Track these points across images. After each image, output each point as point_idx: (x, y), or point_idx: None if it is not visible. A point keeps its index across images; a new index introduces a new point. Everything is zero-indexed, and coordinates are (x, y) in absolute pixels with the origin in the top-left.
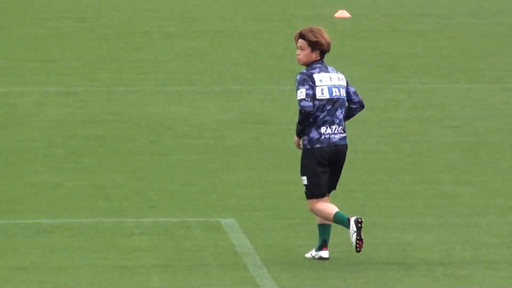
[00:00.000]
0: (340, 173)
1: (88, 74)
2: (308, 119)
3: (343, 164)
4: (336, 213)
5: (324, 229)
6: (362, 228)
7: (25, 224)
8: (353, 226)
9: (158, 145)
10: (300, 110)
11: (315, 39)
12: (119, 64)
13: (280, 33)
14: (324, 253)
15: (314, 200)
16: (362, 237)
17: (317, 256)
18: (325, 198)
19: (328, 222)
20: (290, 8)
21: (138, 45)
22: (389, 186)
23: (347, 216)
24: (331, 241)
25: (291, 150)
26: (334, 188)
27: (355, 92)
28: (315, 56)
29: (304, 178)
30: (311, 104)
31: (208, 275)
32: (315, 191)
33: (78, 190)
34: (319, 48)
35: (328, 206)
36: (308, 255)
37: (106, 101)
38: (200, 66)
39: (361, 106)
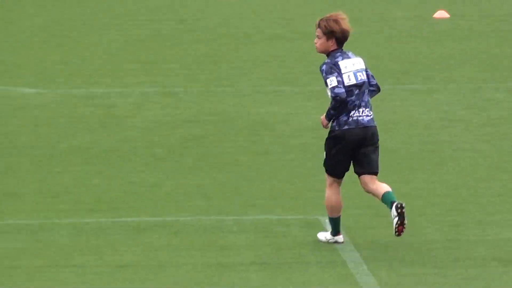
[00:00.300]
0: (376, 154)
1: (187, 75)
2: (342, 105)
3: (375, 144)
4: (338, 218)
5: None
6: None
7: (125, 223)
8: (330, 239)
9: (257, 145)
10: (335, 97)
11: (329, 29)
12: (218, 65)
13: (379, 34)
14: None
15: (330, 178)
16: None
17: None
18: (340, 181)
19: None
20: (388, 9)
21: (236, 46)
22: (488, 184)
23: (340, 229)
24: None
25: (392, 150)
26: (372, 171)
27: (372, 76)
28: (331, 44)
29: (325, 153)
30: (343, 90)
31: (307, 272)
32: (330, 168)
33: (178, 189)
34: (335, 36)
35: (336, 203)
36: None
37: (205, 101)
38: (299, 67)
39: (378, 89)
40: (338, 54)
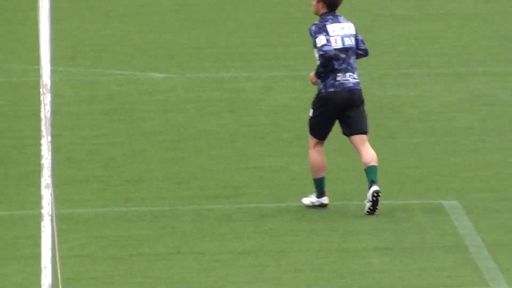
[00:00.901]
0: (362, 116)
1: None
2: (330, 63)
3: (361, 107)
4: (321, 179)
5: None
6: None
7: (248, 209)
8: (315, 202)
9: (384, 128)
10: (323, 55)
11: None
12: None
13: (509, 14)
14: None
15: (314, 139)
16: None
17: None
18: (323, 144)
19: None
20: None
21: (367, 28)
22: None
23: (325, 190)
24: None
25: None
26: (361, 131)
27: (362, 40)
28: (321, 7)
29: (311, 111)
30: (332, 48)
31: (430, 257)
32: (315, 129)
33: (303, 173)
34: (322, 0)
35: (320, 163)
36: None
37: None
38: (428, 49)
39: (366, 53)
40: (329, 17)
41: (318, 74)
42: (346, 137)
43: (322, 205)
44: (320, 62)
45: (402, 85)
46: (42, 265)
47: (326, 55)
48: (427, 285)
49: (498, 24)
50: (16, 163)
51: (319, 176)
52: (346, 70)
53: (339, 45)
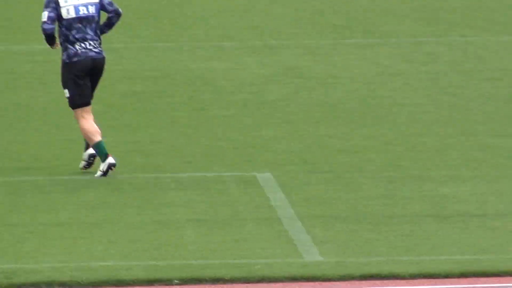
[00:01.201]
0: (97, 84)
1: (127, 31)
2: (51, 39)
3: (100, 76)
4: (100, 142)
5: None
6: (109, 172)
7: (62, 181)
8: (104, 166)
9: (196, 101)
10: (42, 32)
11: None
12: (159, 20)
13: None
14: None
15: (79, 110)
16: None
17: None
18: (89, 109)
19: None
20: None
21: (178, 2)
22: (426, 139)
23: (106, 152)
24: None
25: (329, 105)
26: (91, 101)
27: (109, 3)
28: None
29: (66, 91)
30: (51, 26)
31: (243, 229)
32: (78, 100)
33: (116, 147)
34: None
35: (93, 130)
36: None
37: (145, 57)
38: (240, 22)
39: (117, 14)
40: None
41: (50, 46)
42: (156, 109)
43: (111, 165)
44: (44, 36)
45: (214, 58)
46: None
47: (44, 32)
48: (241, 257)
49: None
50: None
51: (97, 140)
52: (84, 39)
53: (71, 14)
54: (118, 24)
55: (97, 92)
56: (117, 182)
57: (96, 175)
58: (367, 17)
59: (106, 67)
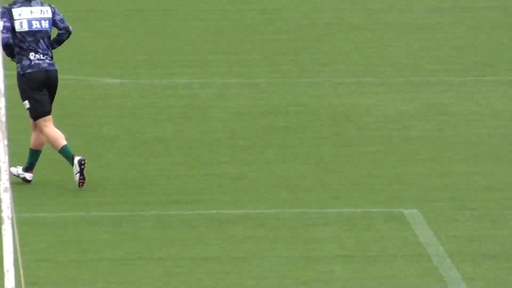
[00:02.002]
0: (54, 96)
1: (269, 66)
2: (8, 49)
3: (55, 89)
4: (65, 146)
5: (34, 154)
6: (85, 169)
7: (208, 215)
8: (76, 166)
9: (340, 137)
10: None
11: None
12: (300, 55)
13: (461, 25)
14: (29, 176)
15: (41, 120)
16: (85, 176)
17: (21, 176)
18: (50, 118)
19: (39, 148)
20: None
21: (318, 37)
22: None
23: (73, 153)
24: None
25: (474, 142)
26: (50, 112)
27: (61, 20)
28: None
29: (26, 102)
30: (7, 35)
31: (391, 266)
32: (39, 110)
33: (261, 180)
34: None
35: (58, 135)
36: (13, 170)
37: (287, 92)
38: (381, 58)
39: (67, 31)
40: (20, 1)
41: (6, 53)
42: (301, 143)
43: (81, 162)
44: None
45: (357, 93)
46: (5, 269)
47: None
48: None
49: (447, 33)
50: None
51: (63, 144)
52: (35, 52)
53: (24, 28)
54: (259, 59)
55: (241, 127)
56: (264, 217)
57: (75, 180)
58: (509, 55)
59: (204, 102)
